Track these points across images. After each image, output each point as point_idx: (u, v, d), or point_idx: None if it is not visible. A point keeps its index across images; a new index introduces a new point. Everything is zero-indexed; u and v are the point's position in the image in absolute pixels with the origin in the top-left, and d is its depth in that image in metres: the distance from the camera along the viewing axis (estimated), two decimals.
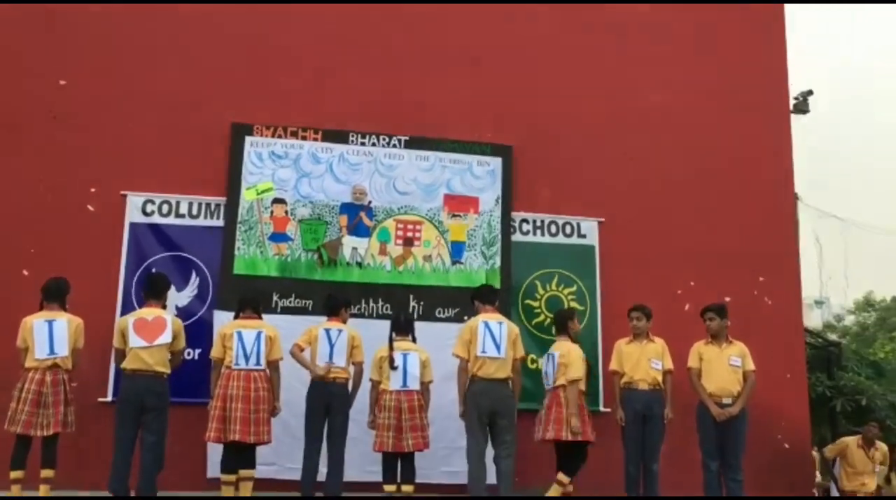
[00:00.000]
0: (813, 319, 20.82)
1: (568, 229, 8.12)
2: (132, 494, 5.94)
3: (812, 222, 13.44)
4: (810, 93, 11.80)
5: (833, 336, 17.25)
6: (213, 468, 6.54)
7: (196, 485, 6.77)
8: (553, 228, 8.11)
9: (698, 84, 8.70)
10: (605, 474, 6.72)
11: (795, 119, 9.92)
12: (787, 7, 9.26)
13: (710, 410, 6.42)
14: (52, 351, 5.89)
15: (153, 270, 7.18)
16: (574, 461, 6.45)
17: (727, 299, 7.26)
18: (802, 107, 11.77)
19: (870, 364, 10.89)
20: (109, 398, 6.84)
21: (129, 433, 5.97)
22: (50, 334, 5.91)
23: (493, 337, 6.34)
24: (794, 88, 10.51)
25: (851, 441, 8.35)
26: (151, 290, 6.36)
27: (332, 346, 6.40)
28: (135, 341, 6.01)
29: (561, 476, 6.43)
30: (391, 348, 6.41)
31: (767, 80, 8.90)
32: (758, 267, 8.32)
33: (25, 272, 6.99)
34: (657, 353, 6.60)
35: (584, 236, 8.13)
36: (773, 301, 8.29)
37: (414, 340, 6.59)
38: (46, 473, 5.83)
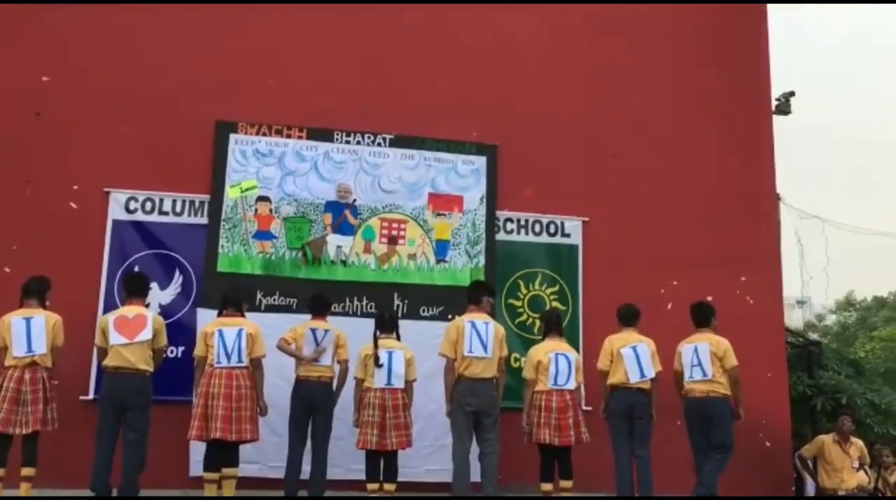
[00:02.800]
0: (794, 318, 20.98)
1: (552, 229, 8.16)
2: (114, 492, 5.92)
3: (794, 223, 13.54)
4: (792, 94, 11.88)
5: (814, 336, 17.40)
6: (196, 467, 6.53)
7: (179, 484, 6.76)
8: (537, 228, 8.14)
9: (681, 84, 8.75)
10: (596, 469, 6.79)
11: (777, 120, 9.99)
12: (770, 7, 9.33)
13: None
14: (29, 349, 5.85)
15: (135, 268, 7.16)
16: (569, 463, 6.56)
17: (709, 298, 7.31)
18: (785, 108, 11.85)
19: (850, 363, 10.95)
20: (91, 396, 6.82)
21: (111, 431, 5.95)
22: (28, 332, 5.87)
23: (480, 337, 6.37)
24: (777, 89, 10.57)
25: (827, 439, 8.40)
26: (132, 288, 6.35)
27: (317, 345, 6.40)
28: (115, 338, 6.00)
29: (568, 483, 6.50)
30: (376, 346, 6.42)
31: (749, 81, 8.96)
32: (740, 266, 8.38)
33: (7, 270, 6.94)
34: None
35: (567, 236, 8.16)
36: (755, 300, 8.36)
37: (398, 338, 6.60)
38: (27, 471, 5.79)
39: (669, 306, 7.83)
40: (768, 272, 8.54)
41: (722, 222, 8.45)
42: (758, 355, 7.89)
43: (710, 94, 8.77)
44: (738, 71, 8.93)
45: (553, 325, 6.85)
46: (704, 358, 6.55)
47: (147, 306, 6.36)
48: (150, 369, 6.08)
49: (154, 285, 6.81)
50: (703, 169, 8.58)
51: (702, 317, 6.81)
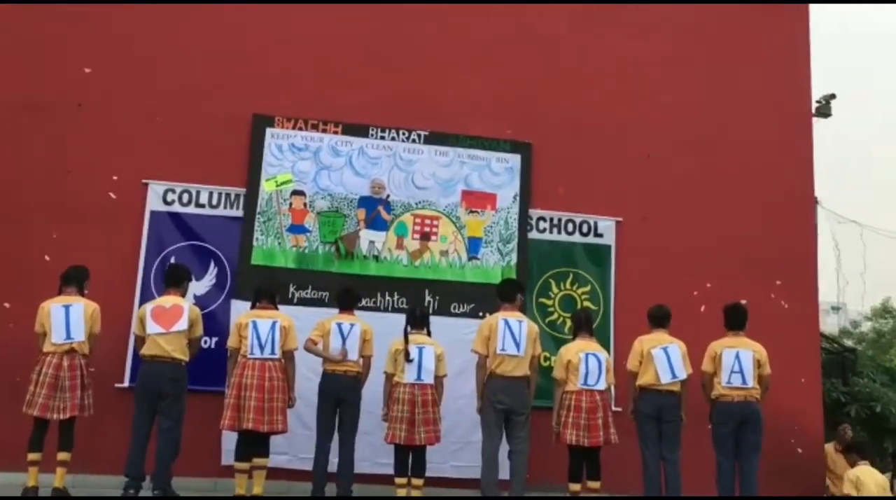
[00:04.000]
0: (829, 324, 20.66)
1: (585, 228, 8.12)
2: (147, 478, 6.02)
3: (831, 227, 13.33)
4: (833, 96, 11.72)
5: (849, 342, 17.13)
6: (228, 456, 6.59)
7: (211, 472, 6.87)
8: (570, 227, 8.11)
9: (719, 85, 8.66)
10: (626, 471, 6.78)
11: (817, 122, 9.86)
12: (812, 7, 9.20)
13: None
14: (68, 336, 5.94)
15: (172, 259, 7.26)
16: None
17: (743, 301, 7.23)
18: (825, 110, 11.68)
19: (885, 371, 10.81)
20: (126, 384, 6.94)
21: (146, 419, 6.06)
22: (66, 319, 5.96)
23: (513, 335, 6.36)
24: (817, 91, 10.44)
25: (829, 448, 8.38)
26: (171, 279, 6.45)
27: (344, 339, 6.44)
28: (152, 327, 6.09)
29: (596, 485, 6.47)
30: (406, 341, 6.44)
31: (790, 83, 8.84)
32: (775, 270, 8.29)
33: (47, 257, 7.08)
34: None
35: (600, 236, 8.12)
36: (790, 305, 8.26)
37: (429, 334, 6.62)
38: (63, 456, 5.90)
39: (702, 308, 7.77)
40: (804, 277, 8.43)
41: (758, 225, 8.36)
42: (792, 361, 7.80)
43: (748, 95, 8.67)
44: (777, 72, 8.81)
45: (583, 324, 6.81)
46: (747, 366, 6.46)
47: (184, 296, 6.44)
48: (186, 358, 6.17)
49: (192, 278, 6.87)
50: (739, 171, 8.49)
51: (737, 320, 6.72)
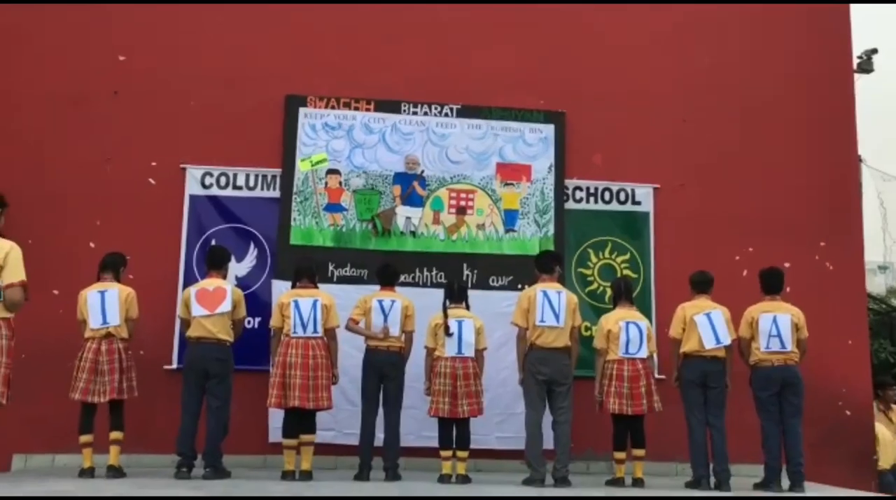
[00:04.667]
0: (876, 284, 20.25)
1: (622, 196, 8.04)
2: (199, 456, 6.16)
3: (876, 185, 13.01)
4: (875, 51, 11.40)
5: None
6: (275, 434, 6.73)
7: (259, 449, 7.00)
8: (607, 195, 8.03)
9: (757, 44, 8.46)
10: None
11: (859, 79, 9.61)
12: None
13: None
14: (105, 321, 6.09)
15: (212, 241, 7.36)
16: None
17: (787, 264, 7.12)
18: (867, 66, 11.38)
19: None
20: (174, 366, 7.08)
21: (195, 399, 6.20)
22: (102, 305, 6.11)
23: (552, 306, 6.35)
24: (858, 46, 10.15)
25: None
26: (213, 261, 6.55)
27: (385, 316, 6.48)
28: (197, 310, 6.21)
29: (641, 452, 6.49)
30: (445, 315, 6.47)
31: (830, 39, 8.61)
32: (819, 232, 8.13)
33: (92, 245, 7.21)
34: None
35: (638, 203, 8.04)
36: (835, 266, 8.10)
37: (468, 307, 6.63)
38: (115, 435, 6.08)
39: (745, 273, 7.65)
40: (849, 237, 8.25)
41: (799, 186, 8.19)
42: (838, 323, 7.70)
43: (785, 52, 8.45)
44: (816, 28, 8.57)
45: (623, 293, 6.78)
46: (785, 330, 6.39)
47: (225, 278, 6.54)
48: (231, 339, 6.29)
49: (231, 259, 6.96)
50: (778, 131, 8.30)
51: (774, 284, 6.64)
